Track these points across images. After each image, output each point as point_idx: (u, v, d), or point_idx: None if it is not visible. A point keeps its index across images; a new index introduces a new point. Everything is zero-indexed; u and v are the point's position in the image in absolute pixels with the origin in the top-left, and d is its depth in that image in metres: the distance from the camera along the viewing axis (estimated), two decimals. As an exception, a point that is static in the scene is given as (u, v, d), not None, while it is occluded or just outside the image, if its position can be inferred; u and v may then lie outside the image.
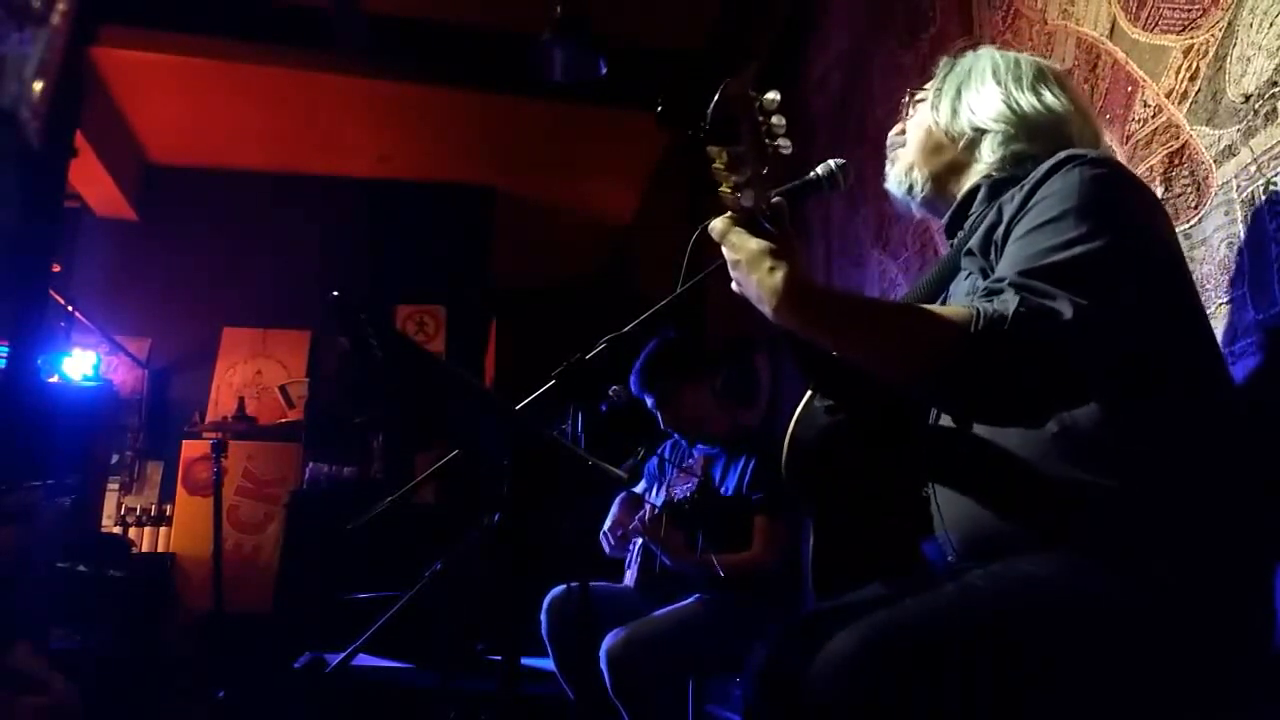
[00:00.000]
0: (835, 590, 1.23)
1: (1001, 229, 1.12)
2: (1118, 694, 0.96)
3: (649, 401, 2.67)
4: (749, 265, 1.04)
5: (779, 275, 1.03)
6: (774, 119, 1.01)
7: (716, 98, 0.99)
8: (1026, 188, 1.11)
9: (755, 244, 1.04)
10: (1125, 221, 1.05)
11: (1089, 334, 0.97)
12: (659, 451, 2.84)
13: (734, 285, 1.09)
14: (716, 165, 1.02)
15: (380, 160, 5.33)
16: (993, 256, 1.13)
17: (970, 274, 1.20)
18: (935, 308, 1.04)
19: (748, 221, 1.05)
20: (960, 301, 1.21)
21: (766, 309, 1.04)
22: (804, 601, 2.47)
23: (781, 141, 1.02)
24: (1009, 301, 0.98)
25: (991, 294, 1.01)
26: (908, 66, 2.66)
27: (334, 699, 2.87)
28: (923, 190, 1.33)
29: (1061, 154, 1.11)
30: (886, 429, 1.18)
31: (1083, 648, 0.95)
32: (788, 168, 1.14)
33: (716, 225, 1.08)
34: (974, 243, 1.17)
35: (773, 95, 1.02)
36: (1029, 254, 1.03)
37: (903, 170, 1.35)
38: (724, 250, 1.07)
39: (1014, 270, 1.02)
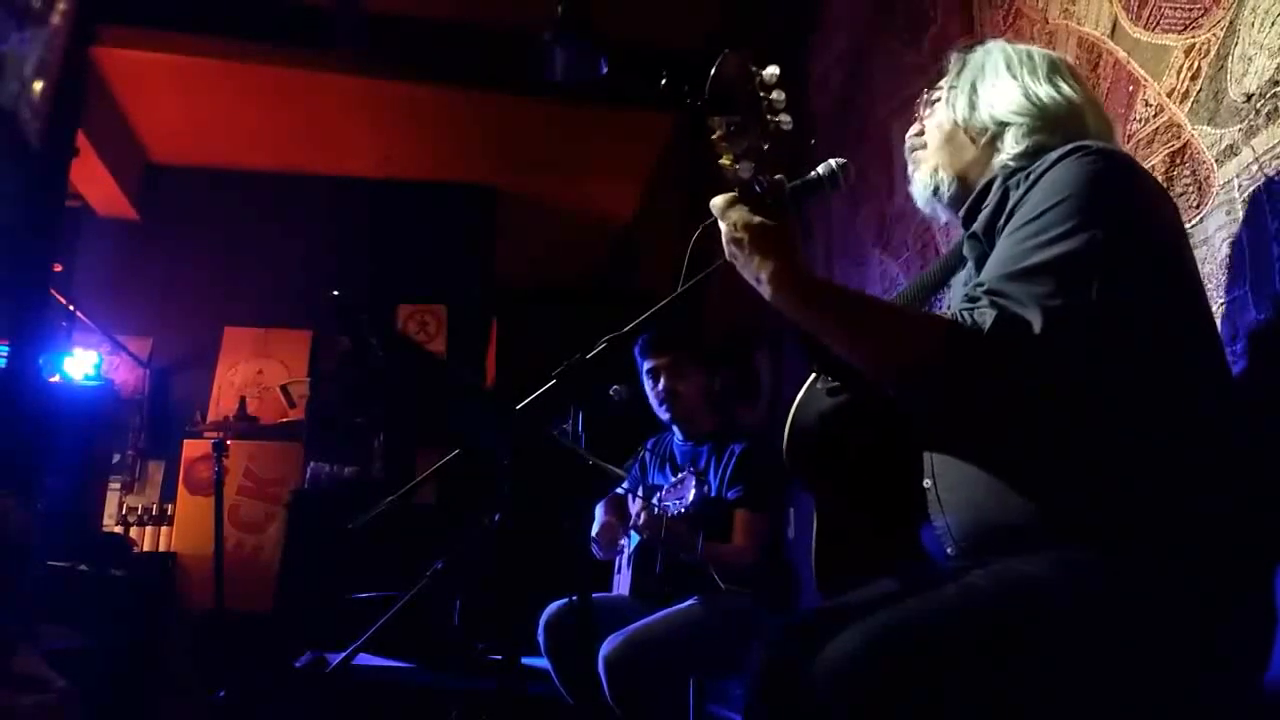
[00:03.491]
0: (837, 583, 1.23)
1: (1004, 217, 1.12)
2: (1119, 694, 0.96)
3: (648, 365, 2.64)
4: (748, 242, 1.05)
5: (775, 255, 1.04)
6: (774, 94, 1.02)
7: (715, 68, 1.00)
8: (1033, 175, 1.11)
9: (756, 221, 1.04)
10: (1118, 216, 1.05)
11: (1063, 338, 0.97)
12: (643, 446, 2.83)
13: (730, 258, 1.10)
14: (716, 136, 1.03)
15: (382, 160, 5.33)
16: (997, 240, 1.13)
17: (970, 263, 1.20)
18: (922, 313, 1.04)
19: (748, 197, 1.05)
20: (958, 293, 1.22)
21: (763, 288, 1.06)
22: (801, 602, 2.47)
23: (783, 117, 1.03)
24: (986, 314, 0.98)
25: (972, 302, 1.02)
26: (909, 66, 2.65)
27: (334, 699, 2.87)
28: (949, 189, 1.31)
29: (1069, 145, 1.11)
30: (889, 410, 1.18)
31: (1083, 648, 0.95)
32: (788, 167, 1.14)
33: (717, 201, 1.08)
34: (979, 226, 1.18)
35: (772, 69, 1.03)
36: (1011, 254, 1.04)
37: (928, 173, 1.33)
38: (722, 226, 1.08)
39: (994, 275, 1.03)
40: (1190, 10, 1.57)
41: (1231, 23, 1.47)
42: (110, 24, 4.02)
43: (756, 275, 1.06)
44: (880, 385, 1.13)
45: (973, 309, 1.00)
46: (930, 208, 1.37)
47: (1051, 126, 1.22)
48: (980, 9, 2.34)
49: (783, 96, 1.02)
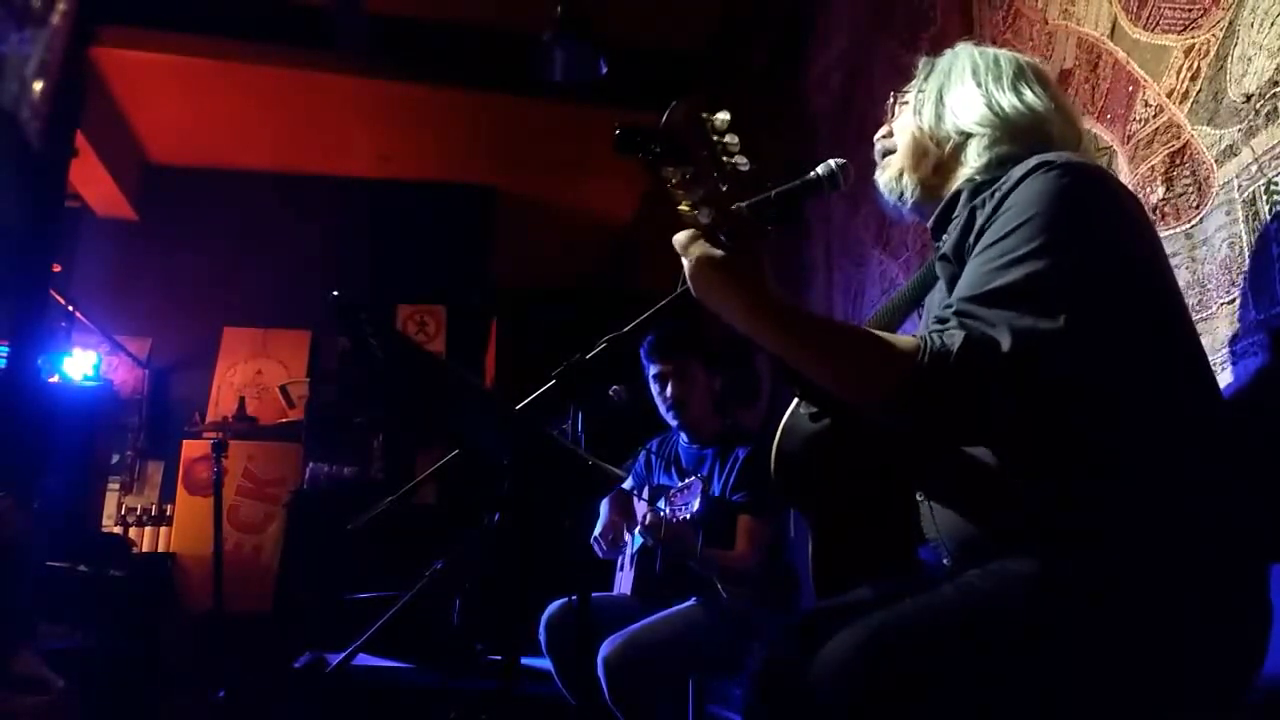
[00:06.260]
0: (836, 592, 1.23)
1: (973, 236, 1.12)
2: (1116, 692, 0.96)
3: (655, 369, 2.64)
4: (713, 278, 1.05)
5: (736, 289, 1.04)
6: (728, 138, 1.03)
7: (664, 120, 1.00)
8: (999, 194, 1.11)
9: (718, 256, 1.04)
10: (1085, 230, 1.05)
11: (1032, 358, 0.97)
12: (646, 447, 2.83)
13: (697, 296, 1.09)
14: (672, 185, 1.03)
15: (381, 160, 5.34)
16: (967, 260, 1.13)
17: (942, 284, 1.20)
18: (890, 336, 1.04)
19: (708, 236, 1.05)
20: (934, 313, 1.22)
21: (732, 321, 1.06)
22: (801, 603, 2.48)
23: (739, 159, 1.03)
24: (955, 336, 0.98)
25: (941, 323, 1.03)
26: (909, 66, 2.65)
27: (334, 699, 2.87)
28: (912, 196, 1.33)
29: (1034, 160, 1.11)
30: (875, 431, 1.18)
31: (1081, 646, 0.96)
32: (786, 168, 1.14)
33: (679, 239, 1.08)
34: (948, 248, 1.18)
35: (723, 115, 1.03)
36: (979, 275, 1.04)
37: (892, 177, 1.35)
38: (685, 263, 1.08)
39: (962, 296, 1.03)
40: (1189, 11, 1.57)
41: (1231, 23, 1.47)
42: (110, 24, 4.02)
43: (722, 311, 1.06)
44: (858, 409, 1.13)
45: (942, 331, 1.01)
46: (895, 211, 1.38)
47: (1014, 137, 1.21)
48: (980, 9, 2.34)
49: (737, 140, 1.03)
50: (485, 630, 2.70)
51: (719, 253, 1.04)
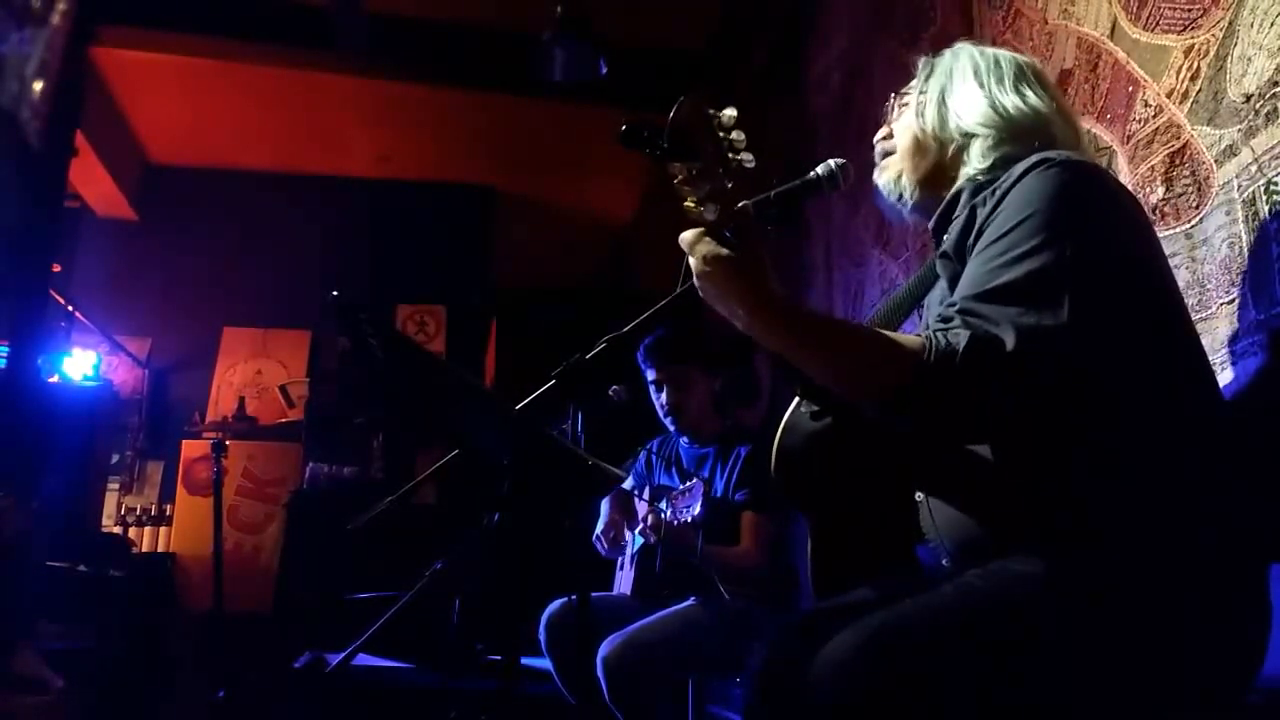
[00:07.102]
0: (834, 591, 1.23)
1: (974, 234, 1.12)
2: (1116, 691, 0.96)
3: (651, 375, 2.64)
4: (718, 276, 1.05)
5: (744, 288, 1.04)
6: (734, 134, 1.03)
7: (672, 115, 1.00)
8: (999, 191, 1.11)
9: (724, 254, 1.04)
10: (1085, 227, 1.05)
11: (1036, 356, 0.97)
12: (647, 447, 2.83)
13: (701, 293, 1.10)
14: (678, 181, 1.03)
15: (381, 160, 5.34)
16: (968, 258, 1.13)
17: (943, 282, 1.20)
18: (894, 335, 1.05)
19: (714, 234, 1.05)
20: (934, 311, 1.22)
21: (736, 320, 1.06)
22: (801, 602, 2.48)
23: (744, 156, 1.03)
24: (960, 335, 0.98)
25: (945, 322, 1.02)
26: (909, 66, 2.65)
27: (334, 699, 2.87)
28: (913, 197, 1.32)
29: (1034, 157, 1.11)
30: (871, 433, 1.18)
31: (1080, 646, 0.96)
32: (786, 168, 1.14)
33: (685, 236, 1.08)
34: (949, 245, 1.18)
35: (730, 111, 1.03)
36: (981, 272, 1.04)
37: (891, 179, 1.34)
38: (691, 261, 1.08)
39: (965, 294, 1.03)
40: (1189, 11, 1.57)
41: (1230, 23, 1.47)
42: (110, 24, 4.02)
43: (728, 309, 1.06)
44: (860, 408, 1.13)
45: (946, 329, 1.00)
46: (895, 213, 1.38)
47: (1017, 137, 1.21)
48: (980, 9, 2.34)
49: (743, 136, 1.03)
50: (485, 630, 2.70)
51: (725, 251, 1.04)
